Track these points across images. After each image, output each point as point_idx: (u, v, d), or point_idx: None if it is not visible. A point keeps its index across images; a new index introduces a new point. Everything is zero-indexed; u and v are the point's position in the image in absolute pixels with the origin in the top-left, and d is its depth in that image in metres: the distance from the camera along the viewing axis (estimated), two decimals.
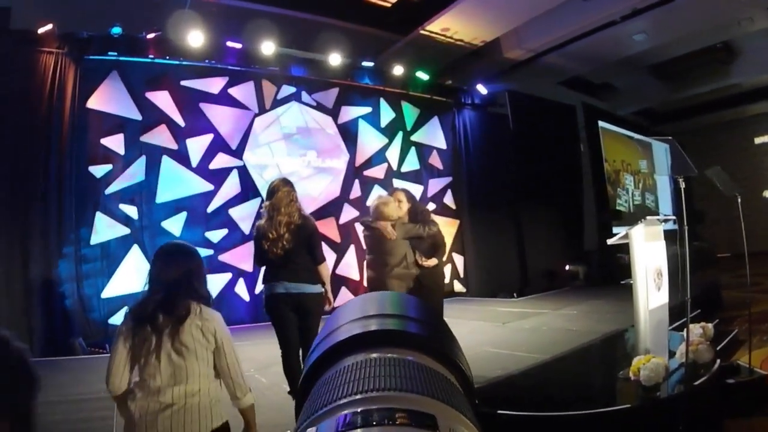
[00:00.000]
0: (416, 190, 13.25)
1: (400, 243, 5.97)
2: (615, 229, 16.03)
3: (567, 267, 15.57)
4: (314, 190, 12.18)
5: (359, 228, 7.55)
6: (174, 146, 10.63)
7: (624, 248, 6.02)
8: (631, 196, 17.94)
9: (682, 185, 5.34)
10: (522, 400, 5.15)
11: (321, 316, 5.25)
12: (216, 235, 10.84)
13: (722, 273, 11.94)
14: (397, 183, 13.28)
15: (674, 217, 6.38)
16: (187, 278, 3.16)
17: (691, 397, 4.78)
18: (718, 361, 5.58)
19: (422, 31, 12.49)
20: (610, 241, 6.01)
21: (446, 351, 0.74)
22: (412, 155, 14.13)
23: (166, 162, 10.52)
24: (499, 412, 4.49)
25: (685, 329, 5.45)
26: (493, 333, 9.23)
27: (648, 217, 5.83)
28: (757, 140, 21.68)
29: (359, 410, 0.55)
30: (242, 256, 10.61)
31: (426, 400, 0.58)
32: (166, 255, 3.29)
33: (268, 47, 11.29)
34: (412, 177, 13.79)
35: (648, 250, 5.64)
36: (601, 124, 16.57)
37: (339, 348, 0.73)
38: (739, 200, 6.18)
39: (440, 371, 0.69)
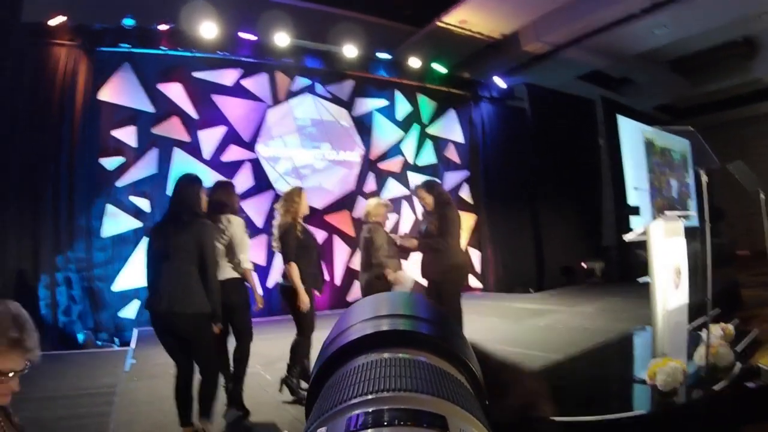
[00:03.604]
0: (420, 183, 13.18)
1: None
2: (634, 224, 15.88)
3: (584, 265, 15.41)
4: (328, 183, 12.10)
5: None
6: (186, 138, 10.60)
7: (643, 244, 5.85)
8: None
9: (705, 179, 5.16)
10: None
11: None
12: None
13: (741, 271, 11.76)
14: (413, 176, 13.26)
15: (694, 213, 6.19)
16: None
17: (710, 402, 4.60)
18: (738, 364, 5.40)
19: (439, 23, 12.37)
20: (627, 238, 5.85)
21: (457, 352, 0.73)
22: (429, 148, 14.04)
23: (178, 154, 10.48)
24: None
25: (706, 331, 5.26)
26: (507, 331, 9.11)
27: (667, 212, 5.66)
28: None
29: (370, 410, 0.54)
30: (254, 249, 10.50)
31: (437, 401, 0.56)
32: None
33: (282, 39, 11.21)
34: (429, 170, 13.59)
35: (667, 246, 5.47)
36: (620, 118, 16.43)
37: (350, 348, 0.72)
38: (762, 196, 6.01)
39: (451, 372, 0.67)
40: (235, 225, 5.43)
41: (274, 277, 10.57)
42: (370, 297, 0.93)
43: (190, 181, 4.92)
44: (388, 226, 7.05)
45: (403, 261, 6.93)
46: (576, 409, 4.58)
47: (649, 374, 4.77)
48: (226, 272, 5.29)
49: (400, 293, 0.97)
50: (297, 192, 6.10)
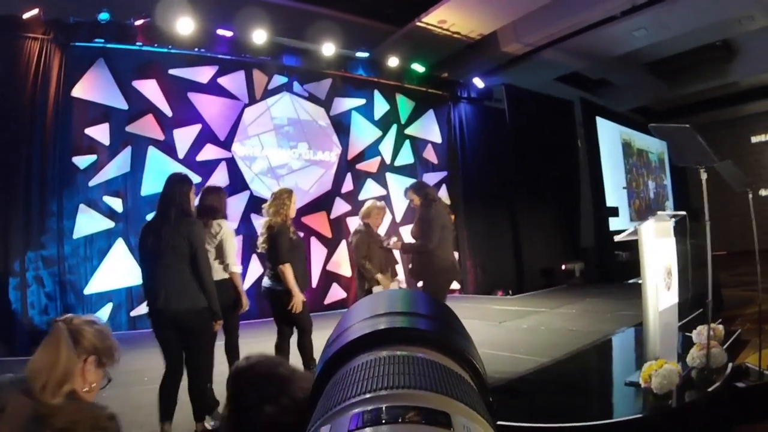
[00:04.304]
0: (409, 184, 13.15)
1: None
2: (612, 226, 15.95)
3: (563, 266, 15.38)
4: (305, 183, 11.94)
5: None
6: (161, 137, 10.39)
7: (622, 246, 5.79)
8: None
9: (704, 176, 5.07)
10: (522, 408, 4.90)
11: None
12: None
13: (718, 271, 11.80)
14: (391, 177, 13.30)
15: (684, 213, 6.11)
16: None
17: (706, 404, 4.51)
18: (730, 364, 5.32)
19: (419, 23, 12.35)
20: (618, 238, 5.75)
21: (458, 347, 0.73)
22: (407, 149, 13.93)
23: (153, 153, 10.28)
24: (498, 423, 4.21)
25: (705, 331, 5.17)
26: (490, 333, 9.01)
27: (659, 213, 5.58)
28: (754, 139, 21.76)
29: (370, 408, 0.54)
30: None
31: (439, 397, 0.56)
32: None
33: (259, 36, 11.05)
34: (406, 171, 13.62)
35: (658, 247, 5.38)
36: (599, 120, 16.48)
37: (349, 348, 0.72)
38: (750, 196, 5.94)
39: (452, 368, 0.67)
40: (225, 229, 5.78)
41: (249, 280, 10.41)
42: (371, 296, 0.94)
43: (179, 181, 5.10)
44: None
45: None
46: (569, 414, 4.47)
47: (644, 377, 4.67)
48: (218, 273, 5.56)
49: (400, 291, 0.93)
50: (288, 193, 6.21)
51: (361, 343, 0.71)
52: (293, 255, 5.99)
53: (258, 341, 7.21)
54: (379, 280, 6.59)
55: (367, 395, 0.57)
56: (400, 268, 7.88)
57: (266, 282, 6.21)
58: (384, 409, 0.53)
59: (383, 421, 0.51)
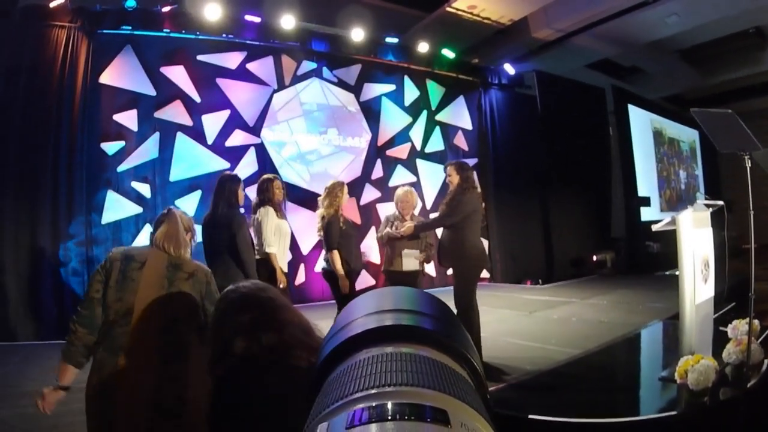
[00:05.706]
0: (440, 171, 13.06)
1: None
2: (643, 216, 15.75)
3: (594, 257, 15.22)
4: (335, 169, 11.90)
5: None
6: (189, 122, 10.40)
7: (653, 237, 5.65)
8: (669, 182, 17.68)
9: (748, 163, 4.92)
10: (555, 402, 4.84)
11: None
12: None
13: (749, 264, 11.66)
14: (421, 163, 13.24)
15: (722, 203, 5.96)
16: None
17: (743, 401, 4.38)
18: (766, 361, 5.18)
19: (448, 8, 12.19)
20: (656, 227, 5.62)
21: (458, 346, 0.74)
22: (437, 135, 13.86)
23: (181, 139, 10.30)
24: (531, 417, 4.14)
25: (746, 327, 5.03)
26: (520, 323, 8.99)
27: (697, 201, 5.44)
28: None
29: (373, 405, 0.54)
30: None
31: (438, 395, 0.57)
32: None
33: (288, 21, 11.02)
34: (437, 157, 13.50)
35: (696, 238, 5.24)
36: (631, 108, 16.21)
37: (353, 342, 0.73)
38: None
39: (453, 367, 0.69)
40: (261, 214, 6.49)
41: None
42: (373, 292, 0.94)
43: (228, 179, 6.15)
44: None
45: None
46: (602, 409, 4.38)
47: (680, 372, 4.55)
48: (258, 253, 6.38)
49: (403, 288, 0.85)
50: (340, 186, 6.78)
51: (365, 338, 0.72)
52: (344, 242, 6.58)
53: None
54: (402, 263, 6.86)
55: (372, 391, 0.57)
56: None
57: (324, 264, 6.83)
58: (389, 405, 0.54)
59: (388, 418, 0.52)
